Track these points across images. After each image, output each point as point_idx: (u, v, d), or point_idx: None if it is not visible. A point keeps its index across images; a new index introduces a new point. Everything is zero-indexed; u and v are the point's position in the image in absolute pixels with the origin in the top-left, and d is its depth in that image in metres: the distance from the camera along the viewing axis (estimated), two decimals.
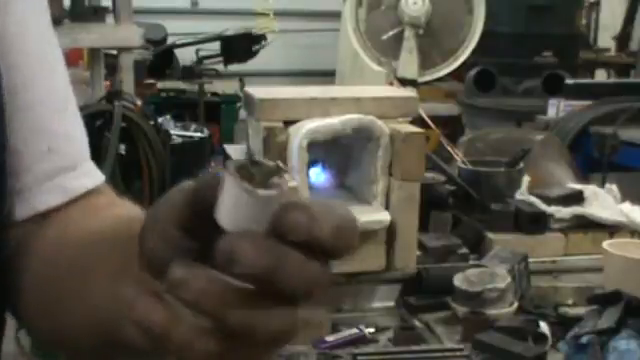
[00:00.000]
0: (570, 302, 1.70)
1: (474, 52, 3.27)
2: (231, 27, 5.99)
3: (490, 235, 1.93)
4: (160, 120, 4.19)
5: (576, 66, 5.42)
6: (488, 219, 1.98)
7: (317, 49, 6.87)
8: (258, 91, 1.78)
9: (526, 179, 2.11)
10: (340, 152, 1.81)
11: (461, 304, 1.59)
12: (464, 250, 1.86)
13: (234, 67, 6.03)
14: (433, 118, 2.19)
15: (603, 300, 1.49)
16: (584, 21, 6.33)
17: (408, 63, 3.16)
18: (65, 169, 0.76)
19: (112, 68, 4.11)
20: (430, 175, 1.99)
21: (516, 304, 1.60)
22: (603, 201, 2.04)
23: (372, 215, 1.70)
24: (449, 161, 2.17)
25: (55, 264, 0.71)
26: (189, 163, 3.98)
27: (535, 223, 1.95)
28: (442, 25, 3.19)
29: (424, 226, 1.88)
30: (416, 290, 1.74)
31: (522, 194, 2.06)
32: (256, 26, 6.04)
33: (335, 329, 1.60)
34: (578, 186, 2.18)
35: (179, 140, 4.28)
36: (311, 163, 1.72)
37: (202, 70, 5.96)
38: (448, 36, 3.22)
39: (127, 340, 0.53)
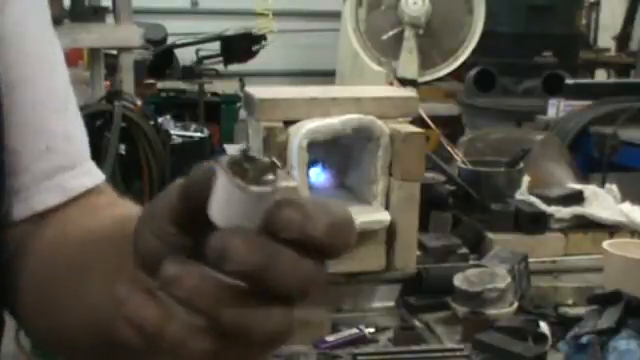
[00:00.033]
0: (570, 302, 1.70)
1: (474, 52, 3.27)
2: (231, 27, 5.99)
3: (490, 235, 1.93)
4: (160, 120, 4.19)
5: (576, 66, 5.42)
6: (488, 219, 1.98)
7: (317, 49, 6.87)
8: (258, 91, 1.78)
9: (526, 179, 2.11)
10: (340, 152, 1.81)
11: (461, 304, 1.59)
12: (464, 250, 1.86)
13: (234, 67, 6.03)
14: (433, 118, 2.19)
15: (603, 300, 1.49)
16: (584, 21, 6.33)
17: (408, 63, 3.16)
18: (64, 168, 0.76)
19: (112, 68, 4.11)
20: (430, 175, 1.99)
21: (516, 304, 1.60)
22: (603, 201, 2.04)
23: (372, 215, 1.70)
24: (449, 161, 2.17)
25: (53, 264, 0.70)
26: (189, 163, 3.95)
27: (535, 223, 1.95)
28: (442, 25, 3.19)
29: (424, 226, 1.88)
30: (416, 290, 1.74)
31: (522, 194, 2.06)
32: (255, 26, 6.04)
33: (335, 329, 1.60)
34: (578, 186, 2.18)
35: (179, 140, 4.28)
36: (311, 163, 1.72)
37: (202, 70, 5.96)
38: (448, 36, 3.22)
39: (122, 340, 0.52)
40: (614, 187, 2.13)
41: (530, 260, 1.77)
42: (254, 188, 0.45)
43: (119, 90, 3.85)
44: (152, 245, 0.50)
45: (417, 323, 1.67)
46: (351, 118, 1.69)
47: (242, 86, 5.39)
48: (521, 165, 2.13)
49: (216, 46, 6.00)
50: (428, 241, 1.85)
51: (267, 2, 6.25)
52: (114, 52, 4.06)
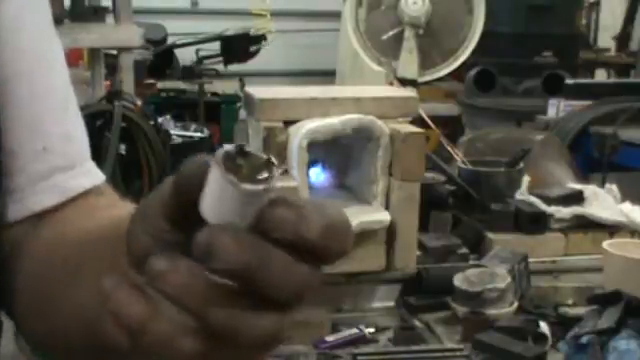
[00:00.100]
0: (570, 302, 1.70)
1: (474, 52, 3.27)
2: (231, 27, 5.99)
3: (490, 235, 1.93)
4: (160, 120, 4.19)
5: (576, 66, 5.42)
6: (488, 219, 1.98)
7: (317, 49, 6.87)
8: (258, 91, 1.78)
9: (526, 179, 2.11)
10: (340, 152, 1.81)
11: (461, 304, 1.59)
12: (464, 250, 1.86)
13: (234, 67, 6.03)
14: (433, 118, 2.19)
15: (603, 300, 1.49)
16: (584, 21, 6.33)
17: (408, 63, 3.16)
18: (62, 169, 0.75)
19: (112, 68, 4.10)
20: (430, 175, 1.99)
21: (516, 304, 1.60)
22: (603, 201, 2.04)
23: (372, 215, 1.70)
24: (449, 161, 2.17)
25: (49, 264, 0.69)
26: None
27: (535, 223, 1.95)
28: (442, 25, 3.19)
29: (424, 226, 1.88)
30: (416, 290, 1.74)
31: (522, 194, 2.06)
32: (253, 27, 6.04)
33: (335, 329, 1.60)
34: (578, 186, 2.18)
35: (179, 140, 4.28)
36: (311, 163, 1.72)
37: (202, 70, 5.96)
38: (448, 36, 3.22)
39: (108, 340, 0.49)
40: (614, 187, 2.13)
41: (530, 260, 1.77)
42: (247, 185, 0.43)
43: (119, 90, 3.85)
44: (145, 242, 0.49)
45: (417, 323, 1.67)
46: (351, 118, 1.69)
47: (242, 86, 5.39)
48: (521, 165, 2.13)
49: (216, 46, 6.00)
50: (428, 241, 1.85)
51: (265, 2, 6.24)
52: (114, 52, 4.06)
